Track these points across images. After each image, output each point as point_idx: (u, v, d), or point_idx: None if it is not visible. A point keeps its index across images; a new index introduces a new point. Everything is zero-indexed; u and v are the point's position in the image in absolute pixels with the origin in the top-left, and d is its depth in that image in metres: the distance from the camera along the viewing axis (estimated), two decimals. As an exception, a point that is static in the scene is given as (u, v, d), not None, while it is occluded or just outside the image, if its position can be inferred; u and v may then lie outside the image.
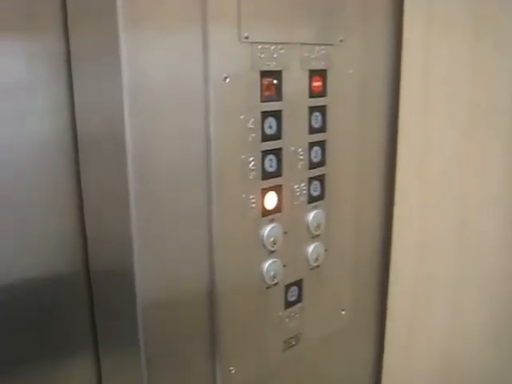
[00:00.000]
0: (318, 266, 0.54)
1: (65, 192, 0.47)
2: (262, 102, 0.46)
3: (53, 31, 0.43)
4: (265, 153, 0.47)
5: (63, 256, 0.47)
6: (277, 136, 0.48)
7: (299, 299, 0.53)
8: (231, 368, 0.48)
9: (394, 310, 0.65)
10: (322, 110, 0.51)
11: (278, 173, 0.48)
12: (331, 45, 0.50)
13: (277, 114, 0.47)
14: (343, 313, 0.59)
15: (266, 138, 0.47)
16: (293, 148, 0.49)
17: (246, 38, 0.43)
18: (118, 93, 0.38)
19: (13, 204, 0.44)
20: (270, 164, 0.48)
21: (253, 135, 0.46)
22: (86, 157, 0.45)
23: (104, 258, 0.47)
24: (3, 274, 0.45)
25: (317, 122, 0.51)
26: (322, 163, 0.52)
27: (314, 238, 0.53)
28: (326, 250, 0.55)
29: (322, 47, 0.50)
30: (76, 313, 0.49)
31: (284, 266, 0.50)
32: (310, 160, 0.51)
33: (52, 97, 0.45)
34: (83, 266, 0.49)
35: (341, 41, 0.51)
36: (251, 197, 0.46)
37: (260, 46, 0.45)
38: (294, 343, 0.54)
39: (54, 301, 0.48)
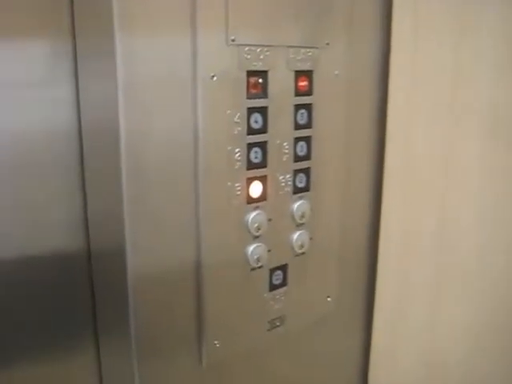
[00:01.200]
0: (303, 253, 0.58)
1: (70, 178, 0.52)
2: (248, 98, 0.50)
3: (62, 33, 0.49)
4: (250, 145, 0.51)
5: (67, 237, 0.53)
6: (262, 130, 0.52)
7: (284, 283, 0.58)
8: (216, 342, 0.53)
9: (381, 299, 0.68)
10: (307, 107, 0.55)
11: (263, 164, 0.53)
12: (317, 48, 0.54)
13: (263, 110, 0.51)
14: (329, 299, 0.63)
15: (251, 131, 0.51)
16: (278, 142, 0.53)
17: (233, 40, 0.48)
18: (114, 88, 0.43)
19: (24, 186, 0.50)
20: (256, 156, 0.52)
21: (239, 129, 0.50)
22: (89, 146, 0.50)
23: (102, 239, 0.52)
24: (13, 252, 0.51)
25: (302, 118, 0.55)
26: (307, 157, 0.56)
27: (299, 226, 0.57)
28: (311, 239, 0.58)
29: (308, 50, 0.54)
30: (77, 291, 0.55)
31: (269, 250, 0.55)
32: (296, 154, 0.55)
33: (61, 91, 0.50)
34: (86, 247, 0.54)
35: (327, 44, 0.55)
36: (236, 185, 0.51)
37: (247, 48, 0.49)
38: (278, 324, 0.58)
39: (57, 280, 0.53)
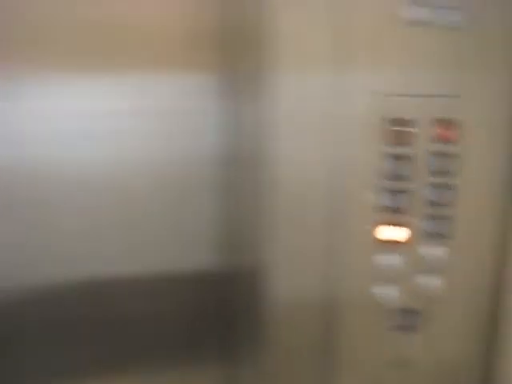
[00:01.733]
0: (434, 300, 0.58)
1: (214, 200, 0.58)
2: (388, 146, 0.52)
3: (213, 69, 0.55)
4: (389, 190, 0.53)
5: (208, 256, 0.58)
6: (401, 177, 0.53)
7: (413, 327, 0.58)
8: (342, 377, 0.55)
9: (504, 362, 0.65)
10: (449, 156, 0.56)
11: (400, 209, 0.54)
12: (459, 96, 0.55)
13: (403, 157, 0.53)
14: (456, 348, 0.62)
15: (390, 177, 0.53)
16: (417, 188, 0.54)
17: (375, 90, 0.51)
18: (264, 122, 0.49)
19: (172, 208, 0.56)
20: (393, 201, 0.54)
21: (378, 174, 0.52)
22: (235, 173, 0.56)
23: (243, 263, 0.56)
24: (159, 268, 0.57)
25: (443, 166, 0.56)
26: (446, 204, 0.56)
27: (433, 272, 0.57)
28: (444, 286, 0.58)
29: (450, 98, 0.55)
30: (216, 308, 0.60)
31: (399, 293, 0.55)
32: (435, 201, 0.56)
33: (211, 120, 0.56)
34: (228, 268, 0.59)
35: (468, 92, 0.56)
36: (372, 228, 0.53)
37: (390, 97, 0.52)
38: (403, 367, 0.58)
39: (198, 296, 0.59)
